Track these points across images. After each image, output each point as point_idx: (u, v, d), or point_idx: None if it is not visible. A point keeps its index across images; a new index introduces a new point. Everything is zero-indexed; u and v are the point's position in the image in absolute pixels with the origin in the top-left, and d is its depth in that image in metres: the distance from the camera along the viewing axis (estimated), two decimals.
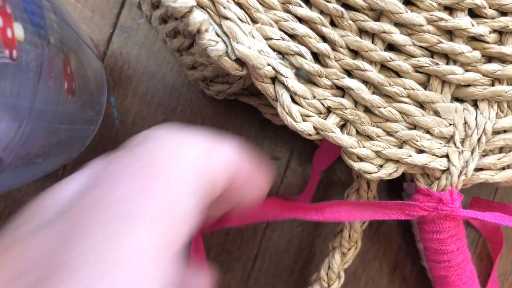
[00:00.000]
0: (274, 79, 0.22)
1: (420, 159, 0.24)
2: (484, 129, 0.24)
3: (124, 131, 0.33)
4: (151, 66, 0.33)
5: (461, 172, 0.24)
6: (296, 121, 0.22)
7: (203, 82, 0.29)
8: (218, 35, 0.20)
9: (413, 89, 0.23)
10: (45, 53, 0.19)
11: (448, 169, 0.24)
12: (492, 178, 0.25)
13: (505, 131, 0.25)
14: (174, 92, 0.33)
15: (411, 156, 0.23)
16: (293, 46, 0.21)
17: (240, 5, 0.21)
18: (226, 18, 0.20)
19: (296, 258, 0.34)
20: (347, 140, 0.23)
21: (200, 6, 0.20)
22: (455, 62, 0.23)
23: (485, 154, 0.25)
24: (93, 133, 0.30)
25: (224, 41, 0.20)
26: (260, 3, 0.21)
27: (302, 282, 0.34)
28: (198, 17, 0.20)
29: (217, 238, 0.34)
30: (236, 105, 0.32)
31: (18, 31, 0.17)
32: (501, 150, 0.26)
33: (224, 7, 0.20)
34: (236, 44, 0.20)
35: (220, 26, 0.20)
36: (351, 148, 0.23)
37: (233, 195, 0.17)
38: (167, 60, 0.33)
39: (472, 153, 0.24)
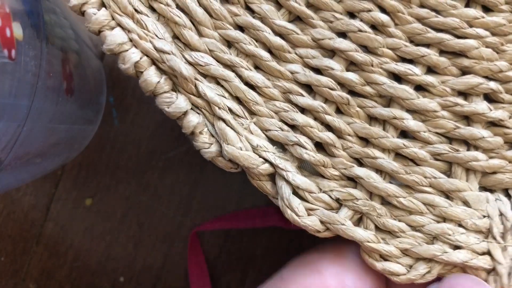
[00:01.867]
0: (273, 175, 0.20)
1: (459, 256, 0.20)
2: None
3: (124, 131, 0.33)
4: None
5: (510, 273, 0.21)
6: (298, 216, 0.20)
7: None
8: (212, 136, 0.20)
9: (435, 178, 0.21)
10: (44, 52, 0.19)
11: (493, 269, 0.21)
12: None
13: None
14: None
15: (447, 252, 0.20)
16: (291, 136, 0.20)
17: (238, 99, 0.20)
18: (219, 118, 0.19)
19: None
20: (362, 233, 0.20)
21: (196, 106, 0.19)
22: (476, 148, 0.21)
23: None
24: (92, 133, 0.30)
25: (218, 142, 0.20)
26: (260, 94, 0.20)
27: None
28: (193, 120, 0.19)
29: (217, 238, 0.34)
30: None
31: (17, 30, 0.17)
32: None
33: (219, 108, 0.19)
34: (226, 145, 0.19)
35: (214, 126, 0.20)
36: (368, 242, 0.20)
37: None
38: None
39: None
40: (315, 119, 0.20)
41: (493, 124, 0.21)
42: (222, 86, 0.20)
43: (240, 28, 0.20)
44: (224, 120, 0.19)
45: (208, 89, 0.19)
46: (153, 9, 0.20)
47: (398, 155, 0.21)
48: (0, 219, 0.33)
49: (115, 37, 0.19)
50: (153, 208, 0.34)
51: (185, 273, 0.34)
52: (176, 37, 0.20)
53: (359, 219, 0.21)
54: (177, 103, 0.19)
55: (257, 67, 0.20)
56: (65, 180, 0.33)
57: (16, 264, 0.33)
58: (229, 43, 0.20)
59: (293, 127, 0.20)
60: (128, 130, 0.33)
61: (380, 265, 0.20)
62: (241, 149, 0.19)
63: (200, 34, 0.20)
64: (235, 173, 0.22)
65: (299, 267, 0.17)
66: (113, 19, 0.19)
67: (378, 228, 0.21)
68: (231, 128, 0.19)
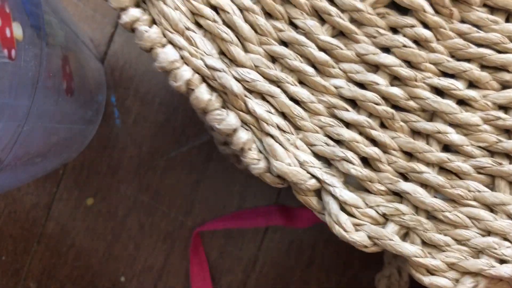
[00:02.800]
0: (319, 190, 0.20)
1: (507, 270, 0.20)
2: None
3: (125, 131, 0.33)
4: (152, 66, 0.33)
5: None
6: (346, 231, 0.20)
7: (234, 157, 0.28)
8: (260, 152, 0.20)
9: (479, 191, 0.21)
10: (44, 52, 0.19)
11: None
12: None
13: None
14: (175, 92, 0.33)
15: (494, 266, 0.20)
16: (338, 151, 0.20)
17: (284, 115, 0.20)
18: (268, 135, 0.20)
19: (297, 259, 0.34)
20: (410, 249, 0.20)
21: (244, 122, 0.20)
22: None
23: None
24: (93, 132, 0.30)
25: (266, 158, 0.20)
26: (305, 109, 0.20)
27: (303, 283, 0.34)
28: (243, 137, 0.19)
29: (218, 239, 0.34)
30: None
31: (17, 30, 0.17)
32: None
33: (268, 124, 0.20)
34: (275, 161, 0.19)
35: (262, 142, 0.20)
36: (416, 257, 0.20)
37: None
38: None
39: None
40: (360, 133, 0.20)
41: None
42: (267, 101, 0.20)
43: (284, 43, 0.20)
44: (272, 136, 0.20)
45: (257, 105, 0.19)
46: (199, 25, 0.20)
47: (442, 169, 0.21)
48: (1, 218, 0.33)
49: (167, 55, 0.19)
50: (154, 208, 0.34)
51: (186, 273, 0.34)
52: (222, 53, 0.20)
53: (405, 234, 0.21)
54: (228, 120, 0.19)
55: (301, 82, 0.20)
56: (67, 179, 0.34)
57: (17, 263, 0.33)
58: (274, 59, 0.20)
59: (338, 142, 0.20)
60: (130, 131, 0.33)
61: (427, 279, 0.20)
62: (290, 165, 0.20)
63: (245, 50, 0.20)
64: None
65: None
66: (164, 36, 0.19)
67: (424, 242, 0.21)
68: (280, 144, 0.20)
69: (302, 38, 0.20)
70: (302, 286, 0.33)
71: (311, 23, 0.20)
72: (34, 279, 0.33)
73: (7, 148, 0.18)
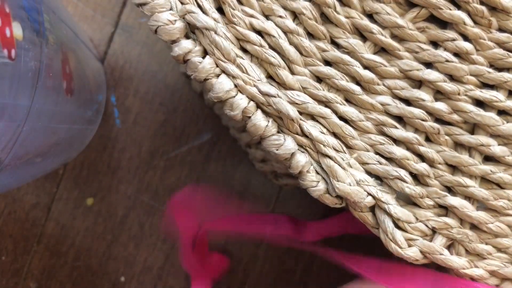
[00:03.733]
0: (373, 206, 0.21)
1: None
2: None
3: (125, 131, 0.33)
4: (152, 65, 0.33)
5: None
6: (401, 247, 0.20)
7: (272, 173, 0.29)
8: (317, 173, 0.20)
9: None
10: (44, 52, 0.19)
11: None
12: None
13: None
14: (175, 92, 0.33)
15: None
16: (392, 170, 0.20)
17: (335, 135, 0.20)
18: (326, 156, 0.20)
19: (297, 260, 0.34)
20: (458, 261, 0.21)
21: (299, 145, 0.20)
22: None
23: None
24: (92, 132, 0.30)
25: (324, 179, 0.20)
26: (355, 128, 0.20)
27: (303, 284, 0.34)
28: (301, 160, 0.20)
29: (218, 239, 0.34)
30: None
31: (16, 30, 0.17)
32: None
33: (324, 145, 0.20)
34: (336, 182, 0.20)
35: (319, 163, 0.20)
36: (464, 269, 0.21)
37: None
38: (168, 59, 0.33)
39: None
40: (408, 149, 0.21)
41: None
42: (318, 122, 0.20)
43: (327, 63, 0.20)
44: (330, 157, 0.20)
45: (312, 128, 0.20)
46: (245, 51, 0.20)
47: (483, 179, 0.22)
48: (1, 218, 0.33)
49: (222, 85, 0.19)
50: (154, 208, 0.34)
51: (186, 273, 0.34)
52: (269, 76, 0.20)
53: (451, 244, 0.21)
54: (286, 144, 0.19)
55: (347, 101, 0.21)
56: (67, 179, 0.33)
57: (17, 263, 0.33)
58: (319, 79, 0.20)
59: (389, 159, 0.21)
60: (130, 130, 0.33)
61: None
62: (350, 185, 0.20)
63: (292, 73, 0.20)
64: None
65: None
66: (217, 66, 0.19)
67: (467, 251, 0.21)
68: (339, 164, 0.20)
69: (346, 57, 0.20)
70: (302, 287, 0.33)
71: (355, 42, 0.20)
72: (34, 279, 0.33)
73: (7, 148, 0.18)
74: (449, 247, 0.21)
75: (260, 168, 0.29)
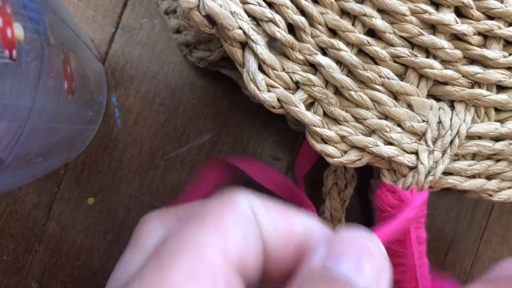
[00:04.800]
0: (245, 45, 0.22)
1: (387, 151, 0.23)
2: (458, 131, 0.23)
3: (126, 131, 0.33)
4: (153, 66, 0.33)
5: (429, 172, 0.23)
6: (260, 90, 0.21)
7: (187, 47, 0.29)
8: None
9: (388, 78, 0.22)
10: (45, 53, 0.19)
11: (415, 167, 0.23)
12: (460, 184, 0.24)
13: (479, 138, 0.24)
14: (176, 92, 0.33)
15: (378, 146, 0.22)
16: (268, 12, 0.21)
17: None
18: None
19: None
20: (310, 117, 0.22)
21: None
22: (435, 58, 0.22)
23: (456, 158, 0.24)
24: (93, 133, 0.30)
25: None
26: None
27: None
28: None
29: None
30: (238, 106, 0.32)
31: (18, 31, 0.17)
32: (473, 157, 0.25)
33: None
34: (207, 0, 0.20)
35: None
36: (314, 126, 0.22)
37: None
38: (169, 60, 0.33)
39: (443, 154, 0.23)
40: (292, 1, 0.21)
41: (457, 38, 0.23)
42: None
43: None
44: None
45: None
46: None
47: (361, 51, 0.22)
48: (2, 218, 0.33)
49: None
50: (155, 208, 0.34)
51: None
52: None
53: (311, 104, 0.22)
54: None
55: None
56: (68, 179, 0.34)
57: (18, 262, 0.34)
58: None
59: (270, 4, 0.21)
60: (131, 130, 0.33)
61: (319, 146, 0.22)
62: (221, 7, 0.20)
63: None
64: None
65: (179, 245, 0.15)
66: None
67: (325, 114, 0.22)
68: None
69: None
70: None
71: None
72: (35, 278, 0.34)
73: (8, 148, 0.18)
74: (309, 107, 0.22)
75: (175, 40, 0.30)
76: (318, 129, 0.22)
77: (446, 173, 0.24)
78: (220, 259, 0.14)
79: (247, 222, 0.15)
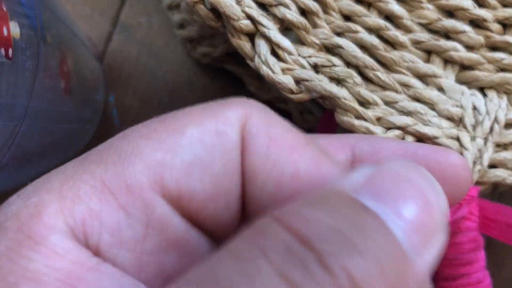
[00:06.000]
0: (253, 37, 0.20)
1: (431, 131, 0.20)
2: (496, 117, 0.21)
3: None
4: (151, 65, 0.33)
5: (475, 161, 0.21)
6: (274, 72, 0.19)
7: (190, 43, 0.28)
8: None
9: (413, 62, 0.21)
10: (42, 51, 0.19)
11: (461, 154, 0.21)
12: (510, 178, 0.21)
13: None
14: (174, 91, 0.33)
15: (417, 124, 0.20)
16: None
17: None
18: None
19: None
20: (339, 90, 0.20)
21: None
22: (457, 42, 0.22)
23: (499, 150, 0.22)
24: (91, 132, 0.30)
25: None
26: None
27: None
28: None
29: None
30: None
31: (14, 29, 0.17)
32: None
33: None
34: None
35: None
36: (345, 100, 0.20)
37: None
38: (168, 59, 0.33)
39: (485, 141, 0.21)
40: None
41: (476, 25, 0.21)
42: None
43: None
44: None
45: None
46: None
47: (379, 37, 0.21)
48: None
49: None
50: None
51: None
52: None
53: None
54: None
55: None
56: None
57: None
58: None
59: None
60: None
61: (359, 122, 0.20)
62: None
63: None
64: None
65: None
66: None
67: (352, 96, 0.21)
68: None
69: None
70: None
71: None
72: None
73: (4, 148, 0.18)
74: None
75: (179, 36, 0.29)
76: (352, 104, 0.20)
77: (491, 166, 0.22)
78: (143, 176, 0.11)
79: (215, 142, 0.12)
